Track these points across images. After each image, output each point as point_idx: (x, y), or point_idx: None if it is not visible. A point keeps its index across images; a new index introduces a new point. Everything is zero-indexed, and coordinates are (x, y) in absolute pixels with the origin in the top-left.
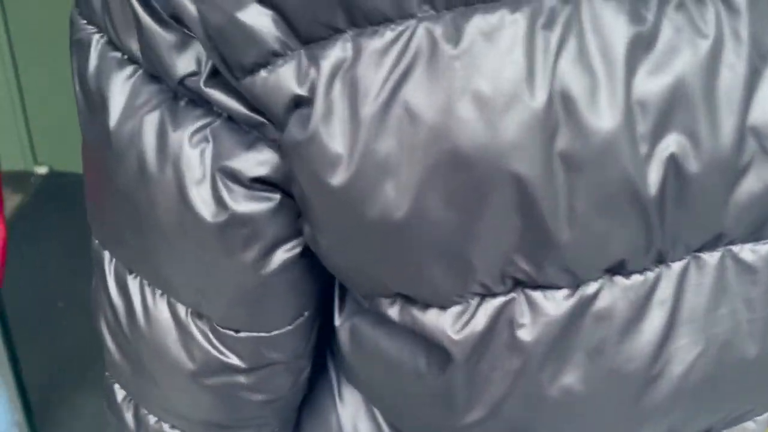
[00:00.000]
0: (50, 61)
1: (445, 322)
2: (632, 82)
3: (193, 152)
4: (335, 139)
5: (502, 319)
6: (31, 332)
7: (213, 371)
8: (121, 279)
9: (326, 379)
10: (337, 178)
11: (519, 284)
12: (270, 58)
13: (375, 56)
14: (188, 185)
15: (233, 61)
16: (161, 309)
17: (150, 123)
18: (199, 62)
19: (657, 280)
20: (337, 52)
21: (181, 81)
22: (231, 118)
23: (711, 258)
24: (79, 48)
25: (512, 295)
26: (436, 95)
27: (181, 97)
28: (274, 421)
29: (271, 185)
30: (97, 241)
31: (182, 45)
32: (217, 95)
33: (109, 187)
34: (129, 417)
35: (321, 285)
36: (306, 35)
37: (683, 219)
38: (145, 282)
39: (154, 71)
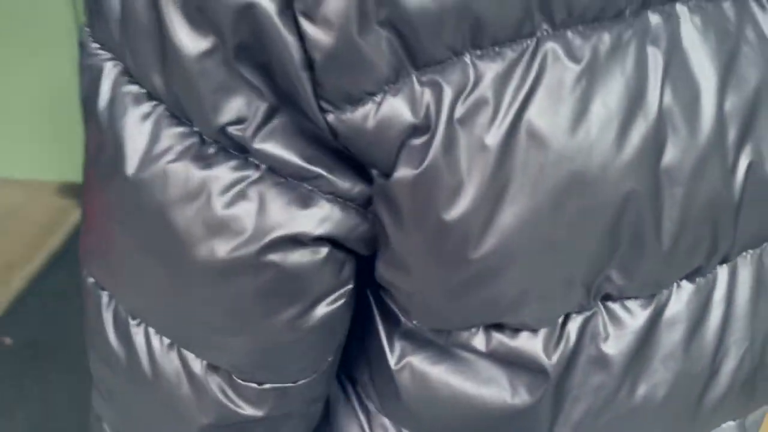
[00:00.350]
0: None
1: (537, 345)
2: (724, 95)
3: (228, 212)
4: (457, 169)
5: (587, 335)
6: (81, 360)
7: (227, 425)
8: (123, 325)
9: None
10: (454, 211)
11: (608, 297)
12: (382, 85)
13: (498, 78)
14: (223, 247)
15: (338, 92)
16: (171, 359)
17: (175, 175)
18: (247, 108)
19: (714, 281)
20: (458, 76)
21: (222, 129)
22: (272, 170)
23: (753, 255)
24: (89, 76)
25: (594, 310)
26: (561, 116)
27: (209, 143)
28: None
29: (325, 241)
30: (92, 280)
31: (231, 86)
32: (268, 146)
33: (120, 233)
34: None
35: (346, 329)
36: (422, 59)
37: (750, 221)
38: (152, 330)
39: (179, 112)
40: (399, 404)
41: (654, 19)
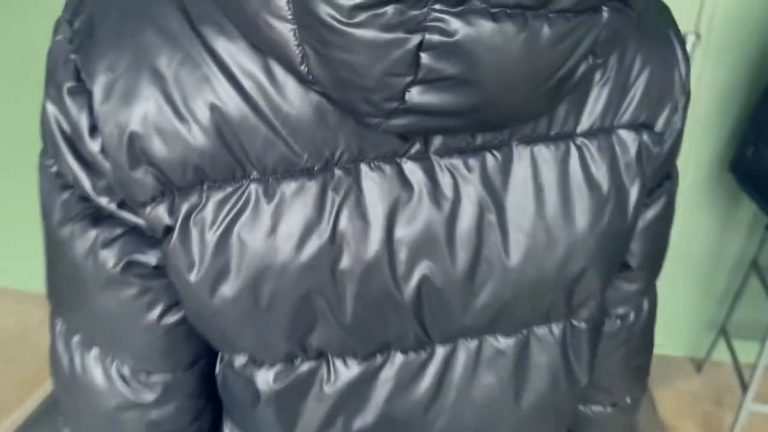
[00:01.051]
0: None
1: (269, 376)
2: (393, 227)
3: (107, 251)
4: (189, 253)
5: (314, 377)
6: None
7: (128, 407)
8: (67, 340)
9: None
10: (192, 277)
11: (323, 353)
12: (153, 198)
13: (218, 202)
14: (107, 271)
15: (130, 199)
16: (94, 362)
17: (79, 228)
18: (112, 193)
19: (429, 358)
20: (195, 197)
21: (100, 204)
22: (136, 228)
23: (471, 344)
24: (41, 171)
25: (321, 360)
26: (256, 231)
27: (101, 213)
28: None
29: (164, 268)
30: (52, 309)
31: (99, 182)
32: (125, 215)
33: (56, 271)
34: None
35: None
36: (176, 185)
37: (435, 318)
38: (83, 341)
39: (85, 195)
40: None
41: (337, 173)
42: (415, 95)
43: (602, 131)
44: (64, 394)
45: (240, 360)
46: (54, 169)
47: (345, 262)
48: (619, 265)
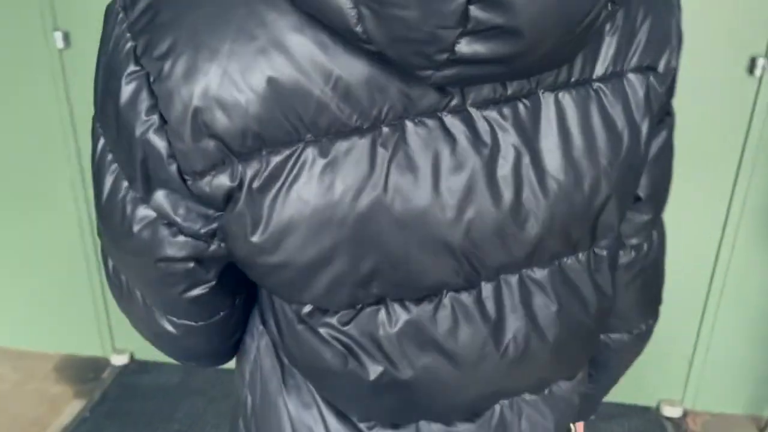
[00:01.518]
0: None
1: (334, 320)
2: (440, 176)
3: (142, 233)
4: (257, 213)
5: (375, 319)
6: None
7: (162, 334)
8: (116, 274)
9: (274, 374)
10: (257, 237)
11: (383, 298)
12: (214, 167)
13: (278, 165)
14: (140, 253)
15: (189, 170)
16: (137, 295)
17: (119, 207)
18: (146, 182)
19: (478, 295)
20: (256, 162)
21: (134, 193)
22: (165, 219)
23: (512, 278)
24: (100, 135)
25: (380, 305)
26: (314, 188)
27: (135, 194)
28: (205, 356)
29: (189, 259)
30: (104, 242)
31: (134, 173)
32: (156, 203)
33: (104, 225)
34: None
35: (230, 300)
36: (236, 153)
37: (481, 257)
38: (128, 282)
39: (125, 178)
40: (292, 354)
41: (385, 130)
42: (464, 46)
43: (615, 75)
44: (121, 305)
45: (306, 309)
46: (103, 140)
47: (399, 212)
48: (632, 197)
